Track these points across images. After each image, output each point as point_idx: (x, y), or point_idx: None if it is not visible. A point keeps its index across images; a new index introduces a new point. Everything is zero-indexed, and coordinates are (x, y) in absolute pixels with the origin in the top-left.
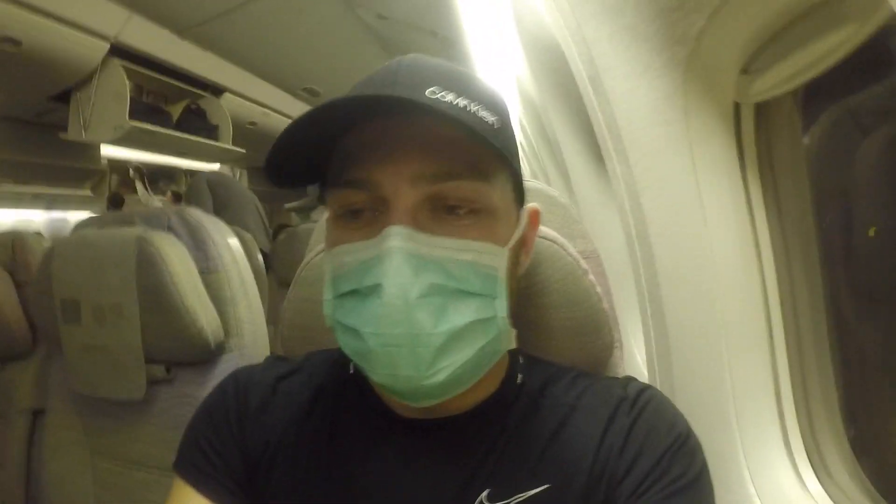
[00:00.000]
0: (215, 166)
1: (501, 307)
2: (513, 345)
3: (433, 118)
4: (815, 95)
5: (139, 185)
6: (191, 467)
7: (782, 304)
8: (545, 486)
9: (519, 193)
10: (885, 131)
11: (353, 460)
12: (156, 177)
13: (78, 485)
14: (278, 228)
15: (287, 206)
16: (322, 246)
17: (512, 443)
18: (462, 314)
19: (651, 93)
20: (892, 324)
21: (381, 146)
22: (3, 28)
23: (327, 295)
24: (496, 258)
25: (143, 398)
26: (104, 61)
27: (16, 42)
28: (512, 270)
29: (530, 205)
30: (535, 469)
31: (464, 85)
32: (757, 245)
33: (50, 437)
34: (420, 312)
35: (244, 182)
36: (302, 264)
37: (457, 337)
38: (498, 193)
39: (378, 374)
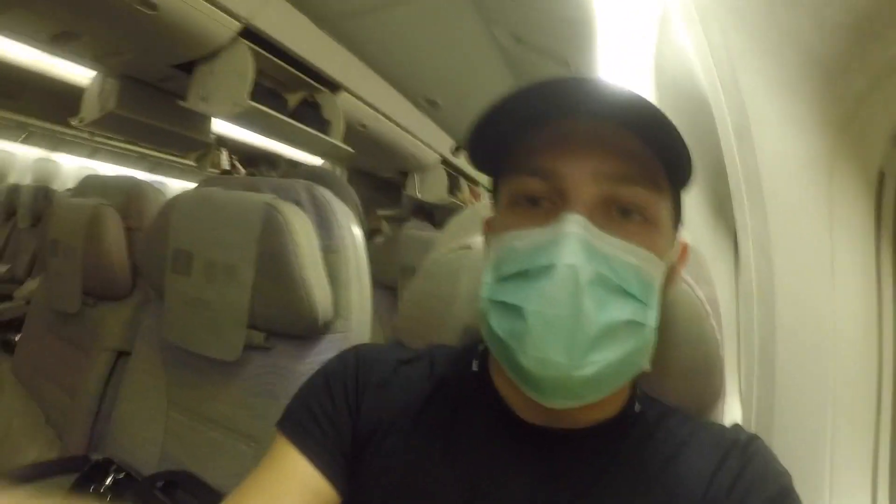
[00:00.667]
0: (317, 161)
1: (652, 318)
2: (648, 365)
3: (618, 119)
4: None
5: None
6: (298, 428)
7: (895, 380)
8: None
9: (678, 217)
10: None
11: (469, 455)
12: (257, 161)
13: (147, 430)
14: (371, 233)
15: (380, 212)
16: (454, 244)
17: (625, 467)
18: (621, 311)
19: (799, 150)
20: None
21: (568, 142)
22: None
23: (487, 278)
24: (656, 268)
25: (236, 361)
26: (233, 40)
27: (151, 5)
28: (662, 289)
29: (682, 237)
30: (644, 497)
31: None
32: (880, 317)
33: (130, 378)
34: (586, 298)
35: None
36: (428, 259)
37: (612, 333)
38: (664, 208)
39: (528, 357)
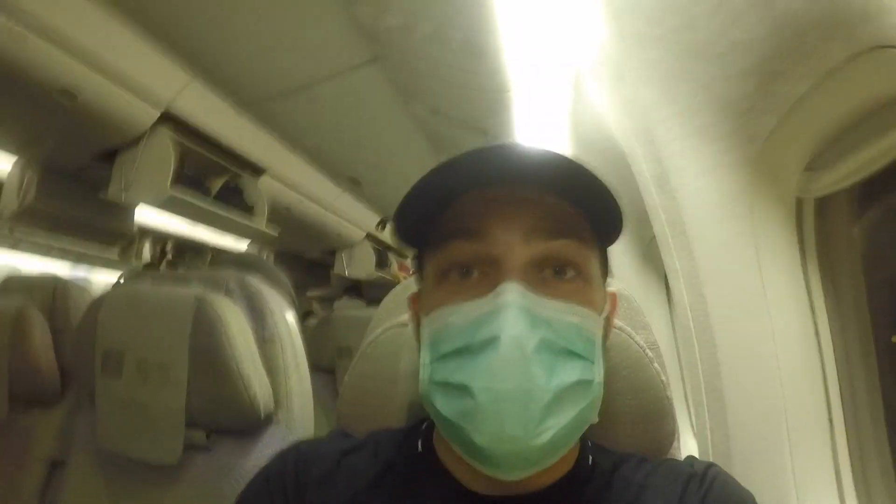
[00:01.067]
0: (243, 245)
1: (599, 372)
2: (596, 417)
3: (541, 181)
4: (867, 188)
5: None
6: None
7: (842, 390)
8: None
9: (605, 271)
10: None
11: None
12: (182, 250)
13: None
14: (303, 315)
15: (310, 293)
16: (389, 323)
17: None
18: (569, 373)
19: (719, 189)
20: None
21: (495, 205)
22: (62, 80)
23: (425, 359)
24: (596, 324)
25: (177, 464)
26: (153, 127)
27: (72, 96)
28: (602, 343)
29: (610, 289)
30: None
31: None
32: (817, 333)
33: (69, 492)
34: (535, 366)
35: None
36: (366, 340)
37: (563, 396)
38: (595, 264)
39: (482, 435)
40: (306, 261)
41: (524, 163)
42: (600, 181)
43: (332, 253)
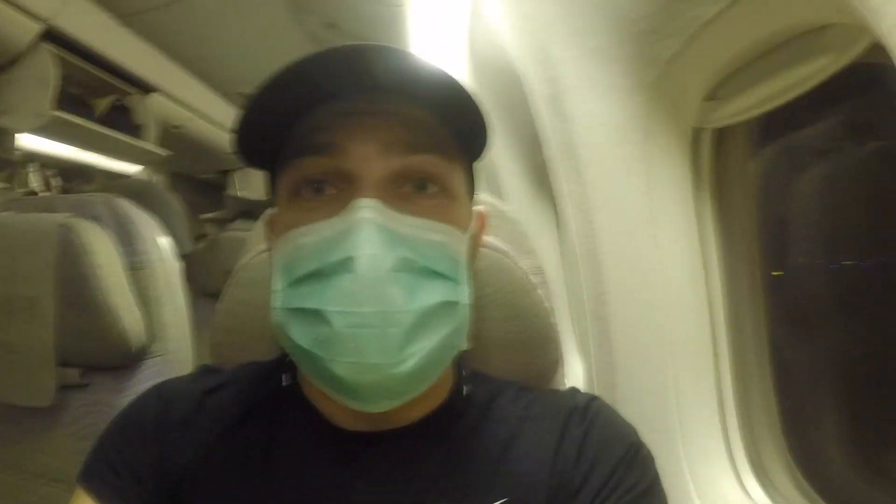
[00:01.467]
0: (134, 168)
1: (465, 294)
2: (467, 344)
3: (402, 94)
4: (766, 124)
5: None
6: (96, 479)
7: (727, 322)
8: (502, 501)
9: (472, 189)
10: (818, 170)
11: (291, 478)
12: (70, 175)
13: None
14: (197, 238)
15: (203, 216)
16: (262, 247)
17: (464, 456)
18: (431, 294)
19: (614, 113)
20: (818, 344)
21: (351, 117)
22: None
23: (277, 285)
24: (460, 243)
25: (53, 405)
26: (33, 44)
27: None
28: (468, 263)
29: (477, 207)
30: (489, 483)
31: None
32: (705, 266)
33: None
34: (393, 287)
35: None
36: (238, 265)
37: (426, 319)
38: (459, 179)
39: (339, 365)
40: (200, 182)
41: (385, 71)
42: (466, 92)
43: (226, 173)
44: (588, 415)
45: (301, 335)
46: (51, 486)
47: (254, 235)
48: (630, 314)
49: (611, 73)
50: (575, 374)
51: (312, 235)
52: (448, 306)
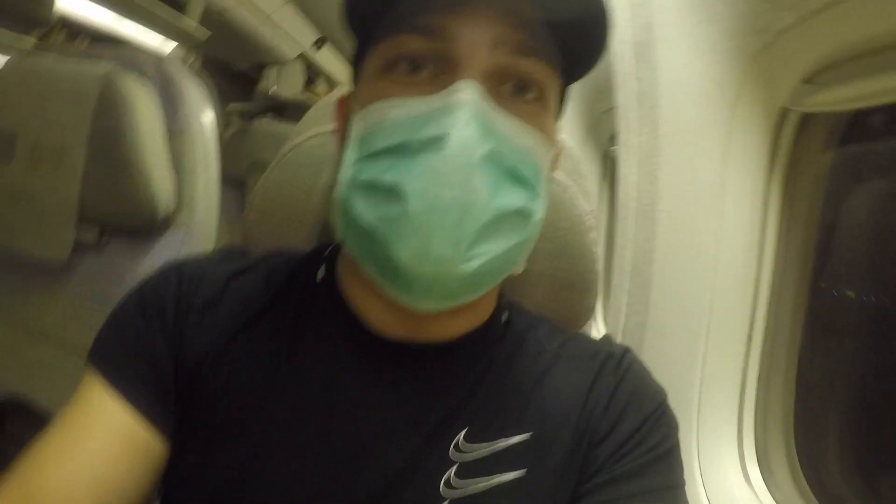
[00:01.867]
0: (168, 48)
1: (541, 208)
2: (523, 266)
3: None
4: (850, 123)
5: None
6: (109, 359)
7: (768, 310)
8: (527, 434)
9: (561, 109)
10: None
11: (316, 378)
12: (102, 45)
13: None
14: (223, 128)
15: (229, 107)
16: (315, 131)
17: (496, 383)
18: (513, 197)
19: (705, 73)
20: (842, 356)
21: (463, 3)
22: None
23: (350, 157)
24: (546, 155)
25: (66, 262)
26: None
27: None
28: (547, 179)
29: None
30: (518, 415)
31: None
32: (761, 251)
33: None
34: (480, 177)
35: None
36: (286, 146)
37: (501, 221)
38: (557, 91)
39: (405, 248)
40: (233, 72)
41: None
42: (600, 8)
43: (261, 68)
44: (623, 365)
45: (367, 210)
46: (47, 346)
47: (301, 125)
48: (674, 278)
49: (712, 33)
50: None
51: (404, 108)
52: (524, 214)
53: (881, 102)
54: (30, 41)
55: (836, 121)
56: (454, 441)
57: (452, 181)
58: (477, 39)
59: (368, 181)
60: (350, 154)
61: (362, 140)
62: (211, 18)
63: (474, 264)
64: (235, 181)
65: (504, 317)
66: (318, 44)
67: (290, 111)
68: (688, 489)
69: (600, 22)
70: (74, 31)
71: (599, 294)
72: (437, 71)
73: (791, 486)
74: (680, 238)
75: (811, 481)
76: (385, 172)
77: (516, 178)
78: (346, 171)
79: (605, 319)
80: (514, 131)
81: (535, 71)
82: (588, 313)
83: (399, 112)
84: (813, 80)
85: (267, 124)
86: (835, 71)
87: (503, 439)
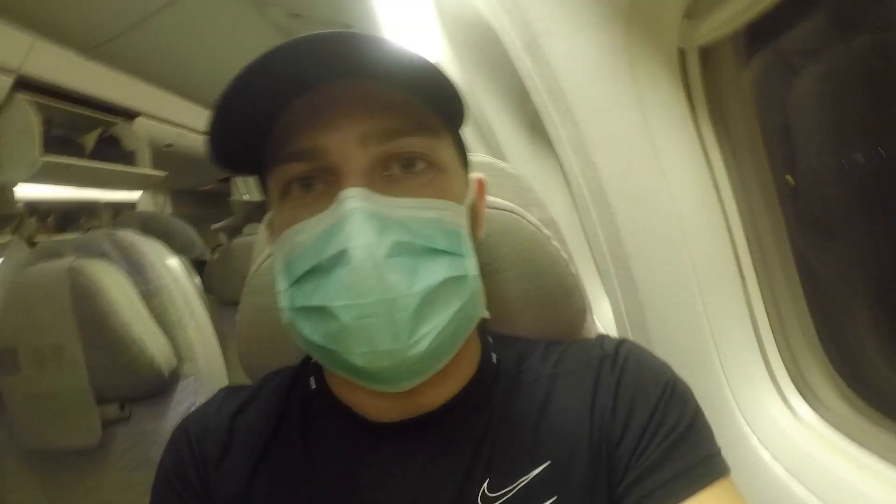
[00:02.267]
0: (136, 195)
1: (472, 266)
2: (486, 312)
3: (375, 79)
4: (752, 34)
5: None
6: None
7: (748, 240)
8: (546, 464)
9: (464, 157)
10: (813, 70)
11: (336, 482)
12: (76, 214)
13: None
14: (214, 250)
15: (214, 226)
16: (270, 250)
17: (502, 426)
18: (434, 272)
19: (593, 48)
20: (844, 247)
21: (324, 112)
22: None
23: (281, 285)
24: (457, 215)
25: (100, 442)
26: (9, 97)
27: None
28: (471, 235)
29: (474, 174)
30: (531, 448)
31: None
32: (717, 187)
33: (7, 500)
34: (391, 274)
35: (168, 208)
36: (250, 273)
37: (432, 298)
38: (447, 151)
39: (354, 355)
40: (204, 194)
41: (356, 56)
42: (433, 66)
43: (227, 181)
44: (618, 361)
45: (312, 331)
46: None
47: (258, 240)
48: (648, 249)
49: (581, 8)
50: (608, 318)
51: (305, 232)
52: (455, 281)
53: (763, 8)
54: (5, 237)
55: (737, 37)
56: (479, 494)
57: (368, 288)
58: (347, 143)
59: (302, 307)
60: (281, 282)
61: (286, 268)
62: (162, 157)
63: (423, 344)
64: (234, 302)
65: (493, 358)
66: None
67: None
68: (735, 436)
69: (440, 76)
70: (43, 215)
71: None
72: (326, 183)
73: (837, 401)
74: (637, 210)
75: (857, 386)
76: (311, 296)
77: (432, 252)
78: (284, 299)
79: (611, 303)
80: (413, 211)
81: (411, 146)
82: (580, 316)
83: (303, 237)
84: (692, 13)
85: (245, 238)
86: None
87: (525, 476)
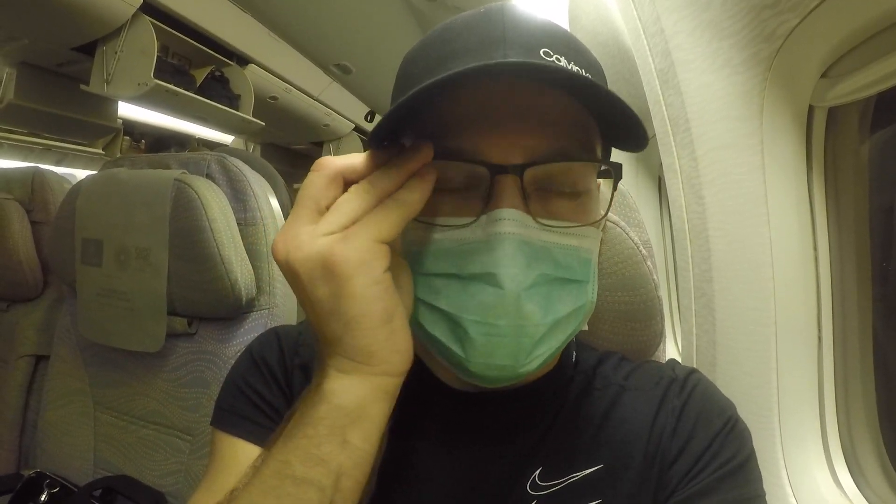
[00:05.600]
0: (229, 140)
1: (593, 290)
2: (586, 326)
3: (546, 85)
4: (881, 105)
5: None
6: (235, 418)
7: (833, 307)
8: (598, 466)
9: (615, 177)
10: None
11: (400, 435)
12: (168, 143)
13: (76, 436)
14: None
15: (297, 185)
16: None
17: (567, 422)
18: (565, 304)
19: (727, 88)
20: None
21: (491, 113)
22: None
23: (412, 264)
24: (595, 242)
25: (159, 351)
26: (134, 16)
27: None
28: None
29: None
30: (588, 449)
31: (573, 48)
32: (815, 248)
33: (51, 384)
34: (530, 304)
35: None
36: None
37: (557, 326)
38: (597, 171)
39: (471, 361)
40: (293, 153)
41: (518, 51)
42: (591, 53)
43: (320, 145)
44: (687, 387)
45: (434, 326)
46: (149, 427)
47: None
48: (735, 292)
49: (725, 48)
50: (666, 354)
51: (449, 234)
52: (579, 309)
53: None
54: (97, 148)
55: (866, 106)
56: (531, 479)
57: (504, 313)
58: (509, 158)
59: (428, 301)
60: (412, 263)
61: (420, 256)
62: (264, 107)
63: (535, 364)
64: None
65: (573, 357)
66: (370, 116)
67: None
68: (777, 497)
69: (624, 109)
70: (136, 136)
71: (672, 317)
72: (477, 191)
73: (885, 485)
74: (734, 253)
75: None
76: (443, 300)
77: (566, 282)
78: (413, 287)
79: (681, 341)
80: (558, 238)
81: (568, 173)
82: (656, 339)
83: (447, 239)
84: (829, 74)
85: None
86: (847, 61)
87: (576, 473)
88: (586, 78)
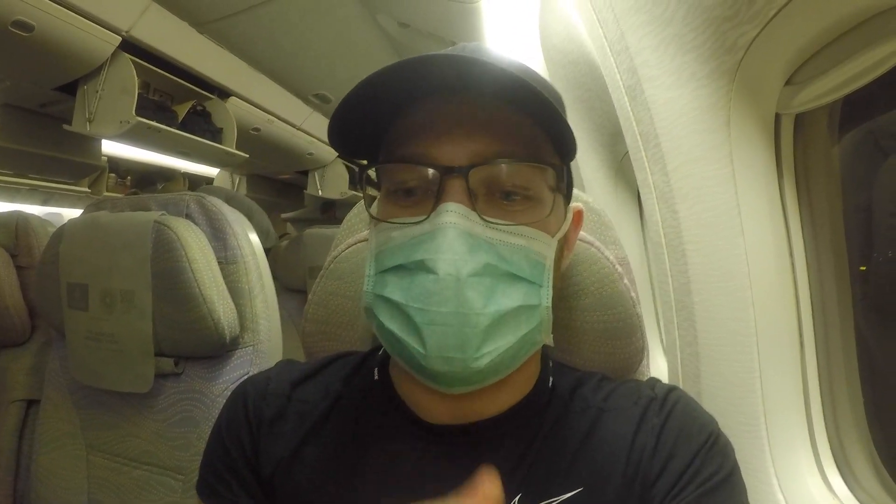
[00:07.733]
0: (214, 171)
1: (546, 296)
2: (550, 340)
3: (496, 96)
4: (847, 109)
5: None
6: (207, 489)
7: (813, 311)
8: (578, 490)
9: (568, 189)
10: None
11: (378, 470)
12: (153, 178)
13: (70, 480)
14: (280, 238)
15: (284, 216)
16: (353, 239)
17: (544, 447)
18: (510, 297)
19: (694, 101)
20: None
21: (440, 123)
22: (17, 11)
23: (369, 271)
24: (546, 247)
25: (148, 392)
26: (114, 55)
27: (28, 27)
28: (556, 264)
29: (574, 204)
30: (567, 473)
31: (526, 71)
32: (791, 254)
33: (43, 428)
34: (470, 291)
35: (243, 189)
36: (330, 257)
37: (502, 321)
38: (551, 183)
39: (422, 351)
40: (279, 183)
41: (478, 73)
42: (552, 103)
43: (305, 173)
44: (667, 405)
45: (388, 319)
46: (142, 468)
47: (343, 230)
48: (715, 303)
49: (689, 61)
50: (655, 366)
51: (401, 231)
52: (527, 309)
53: (860, 85)
54: (83, 186)
55: (833, 110)
56: None
57: (445, 299)
58: (456, 160)
59: (383, 296)
60: (370, 267)
61: (377, 256)
62: (247, 139)
63: (485, 360)
64: (297, 289)
65: (550, 382)
66: None
67: (341, 211)
68: (769, 502)
69: (557, 114)
70: (122, 173)
71: (660, 331)
72: (428, 193)
73: (876, 485)
74: (711, 264)
75: (890, 466)
76: (393, 290)
77: (513, 278)
78: (368, 283)
79: (666, 355)
80: (505, 236)
81: (515, 175)
82: (638, 356)
83: (399, 234)
84: (793, 81)
85: (317, 229)
86: (810, 67)
87: (556, 498)
88: (521, 79)
